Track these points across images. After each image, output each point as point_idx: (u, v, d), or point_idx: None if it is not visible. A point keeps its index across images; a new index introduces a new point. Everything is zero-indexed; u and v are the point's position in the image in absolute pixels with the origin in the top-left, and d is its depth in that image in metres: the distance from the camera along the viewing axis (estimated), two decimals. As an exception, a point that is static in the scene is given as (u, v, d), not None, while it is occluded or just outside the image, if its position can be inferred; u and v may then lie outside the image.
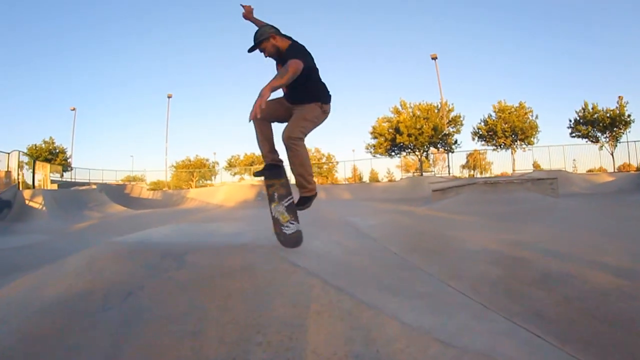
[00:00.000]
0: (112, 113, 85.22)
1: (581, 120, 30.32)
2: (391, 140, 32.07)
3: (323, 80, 3.46)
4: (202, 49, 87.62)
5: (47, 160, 28.56)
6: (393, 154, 33.99)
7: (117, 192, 23.84)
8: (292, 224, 3.47)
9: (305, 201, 3.59)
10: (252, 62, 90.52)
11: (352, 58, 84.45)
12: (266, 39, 3.24)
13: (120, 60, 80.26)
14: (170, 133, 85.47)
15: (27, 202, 14.71)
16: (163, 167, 47.17)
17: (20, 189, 16.43)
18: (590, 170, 29.27)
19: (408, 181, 24.34)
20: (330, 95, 3.46)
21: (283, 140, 3.26)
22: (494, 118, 32.55)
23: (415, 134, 30.38)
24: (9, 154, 17.95)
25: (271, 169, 3.66)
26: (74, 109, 35.63)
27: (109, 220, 14.34)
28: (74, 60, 74.29)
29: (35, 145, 33.92)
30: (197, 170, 41.55)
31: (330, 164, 43.43)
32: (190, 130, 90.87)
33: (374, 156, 34.27)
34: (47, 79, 73.26)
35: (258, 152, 4.04)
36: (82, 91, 72.93)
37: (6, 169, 17.39)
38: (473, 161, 37.29)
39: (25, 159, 20.65)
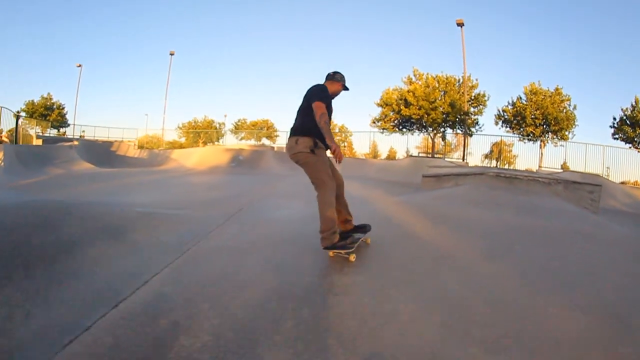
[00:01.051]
0: (129, 73, 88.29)
1: (628, 121, 24.87)
2: (399, 113, 27.95)
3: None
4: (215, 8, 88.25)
5: (42, 115, 29.44)
6: (404, 129, 29.42)
7: (102, 150, 24.17)
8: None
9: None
10: (266, 29, 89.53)
11: (372, 27, 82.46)
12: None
13: (133, 19, 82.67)
14: (182, 93, 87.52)
15: None
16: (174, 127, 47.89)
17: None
18: (625, 182, 23.18)
19: (409, 162, 20.40)
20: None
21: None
22: (523, 101, 27.57)
23: (426, 108, 26.46)
24: None
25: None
26: (80, 66, 35.61)
27: (61, 177, 14.07)
28: (83, 17, 77.23)
29: (33, 101, 34.74)
30: (204, 131, 41.56)
31: (343, 136, 42.04)
32: (203, 91, 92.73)
33: (382, 131, 29.64)
34: (55, 36, 77.06)
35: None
36: (93, 50, 76.66)
37: None
38: (498, 151, 31.04)
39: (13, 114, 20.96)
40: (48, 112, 33.54)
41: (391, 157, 34.43)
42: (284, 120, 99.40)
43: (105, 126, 36.17)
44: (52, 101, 35.27)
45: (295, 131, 3.95)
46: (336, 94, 4.16)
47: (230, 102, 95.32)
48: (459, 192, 8.51)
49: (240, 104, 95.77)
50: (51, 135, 29.63)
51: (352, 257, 3.72)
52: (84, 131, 33.39)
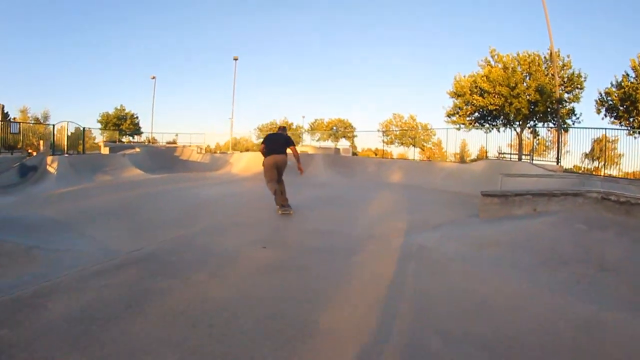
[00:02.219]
0: (211, 77, 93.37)
1: None
2: (473, 104, 23.78)
3: None
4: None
5: (115, 125, 32.29)
6: (486, 124, 24.61)
7: (165, 155, 25.50)
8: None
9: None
10: (353, 29, 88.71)
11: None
12: None
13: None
14: (260, 95, 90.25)
15: (47, 167, 16.55)
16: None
17: (49, 155, 18.14)
18: None
19: (485, 166, 16.32)
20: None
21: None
22: (632, 79, 20.46)
23: (506, 95, 21.64)
24: (54, 125, 20.75)
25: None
26: (154, 78, 38.46)
27: (102, 184, 15.34)
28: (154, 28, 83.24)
29: (108, 112, 38.04)
30: None
31: (425, 135, 39.22)
32: (281, 92, 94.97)
33: (458, 127, 25.22)
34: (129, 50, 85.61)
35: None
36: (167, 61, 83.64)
37: (52, 140, 20.48)
38: (599, 149, 23.96)
39: (84, 125, 23.01)
40: (121, 122, 36.75)
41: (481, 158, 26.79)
42: (360, 119, 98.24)
43: (172, 132, 38.15)
44: (125, 112, 38.21)
45: (282, 152, 9.48)
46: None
47: (307, 103, 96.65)
48: (531, 231, 5.56)
49: (317, 104, 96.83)
50: (118, 143, 31.88)
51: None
52: (152, 137, 35.59)
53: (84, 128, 23.10)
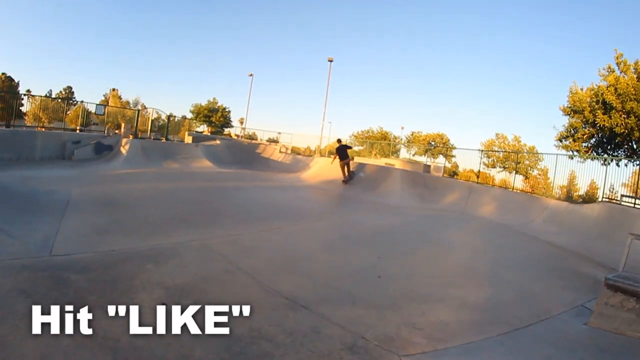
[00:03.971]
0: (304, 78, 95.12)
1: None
2: (594, 125, 18.74)
3: None
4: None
5: (206, 117, 33.47)
6: (605, 154, 19.16)
7: (246, 150, 25.25)
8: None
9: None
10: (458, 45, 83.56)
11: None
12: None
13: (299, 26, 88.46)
14: (360, 101, 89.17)
15: (121, 148, 17.28)
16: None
17: (126, 137, 18.81)
18: None
19: (602, 211, 11.87)
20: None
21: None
22: None
23: (638, 113, 17.02)
24: (138, 110, 21.43)
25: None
26: (251, 75, 39.18)
27: (168, 170, 16.05)
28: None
29: (200, 104, 39.47)
30: (377, 142, 40.75)
31: (531, 160, 34.42)
32: (382, 100, 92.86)
33: (572, 154, 18.92)
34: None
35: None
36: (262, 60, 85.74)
37: (136, 123, 21.82)
38: None
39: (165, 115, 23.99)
40: (212, 114, 38.15)
41: (589, 195, 20.21)
42: (460, 137, 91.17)
43: (261, 129, 38.73)
44: (217, 104, 39.63)
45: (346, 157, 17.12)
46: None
47: (409, 114, 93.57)
48: None
49: (418, 116, 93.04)
50: (202, 133, 32.67)
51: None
52: (247, 132, 36.16)
53: (169, 116, 23.84)
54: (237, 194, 11.93)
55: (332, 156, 17.73)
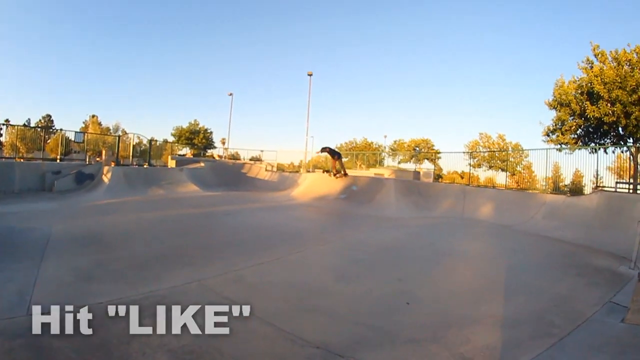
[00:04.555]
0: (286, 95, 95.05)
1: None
2: (582, 116, 19.38)
3: None
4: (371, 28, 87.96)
5: (188, 139, 33.00)
6: (594, 143, 19.77)
7: (231, 171, 24.67)
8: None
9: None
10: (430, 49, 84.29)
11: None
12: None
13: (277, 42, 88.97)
14: (340, 114, 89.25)
15: (102, 176, 16.86)
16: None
17: (107, 165, 18.21)
18: None
19: (600, 201, 11.67)
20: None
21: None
22: None
23: (624, 101, 17.47)
24: (119, 136, 21.20)
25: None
26: (231, 94, 38.69)
27: (150, 198, 15.20)
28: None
29: (182, 126, 39.10)
30: (361, 153, 40.48)
31: (517, 157, 34.31)
32: (363, 111, 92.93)
33: (561, 148, 19.33)
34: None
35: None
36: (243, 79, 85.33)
37: (117, 150, 21.27)
38: None
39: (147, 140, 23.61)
40: (194, 136, 37.65)
41: (576, 184, 21.23)
42: (444, 140, 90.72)
43: (244, 148, 38.30)
44: (198, 126, 39.15)
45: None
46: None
47: (390, 123, 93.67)
48: None
49: (400, 124, 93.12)
50: (185, 156, 32.18)
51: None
52: (211, 153, 35.62)
53: (150, 140, 23.39)
54: (228, 220, 11.35)
55: (332, 166, 19.89)
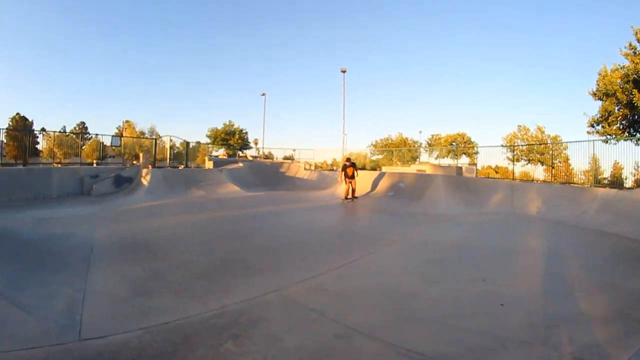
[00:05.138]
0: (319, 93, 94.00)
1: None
2: (628, 105, 18.04)
3: None
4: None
5: (224, 140, 32.71)
6: (638, 132, 18.88)
7: (269, 170, 24.07)
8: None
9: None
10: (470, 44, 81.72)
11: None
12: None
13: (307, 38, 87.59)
14: (376, 110, 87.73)
15: (141, 179, 16.39)
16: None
17: (145, 167, 17.76)
18: None
19: None
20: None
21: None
22: None
23: None
24: (155, 139, 20.86)
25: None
26: (264, 94, 38.45)
27: (192, 199, 14.52)
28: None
29: (217, 128, 39.22)
30: (397, 150, 39.37)
31: (556, 151, 32.35)
32: (397, 107, 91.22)
33: (607, 139, 18.34)
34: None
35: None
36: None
37: (154, 152, 21.09)
38: None
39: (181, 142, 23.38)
40: (229, 137, 37.33)
41: (616, 176, 20.55)
42: (481, 134, 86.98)
43: (280, 147, 37.59)
44: (233, 127, 38.83)
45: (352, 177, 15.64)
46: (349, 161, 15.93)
47: (425, 118, 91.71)
48: None
49: (436, 119, 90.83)
50: (225, 157, 31.90)
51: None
52: (263, 152, 35.22)
53: (187, 142, 22.95)
54: (279, 220, 10.51)
55: (341, 174, 16.05)
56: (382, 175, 17.89)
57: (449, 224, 10.19)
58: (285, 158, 32.27)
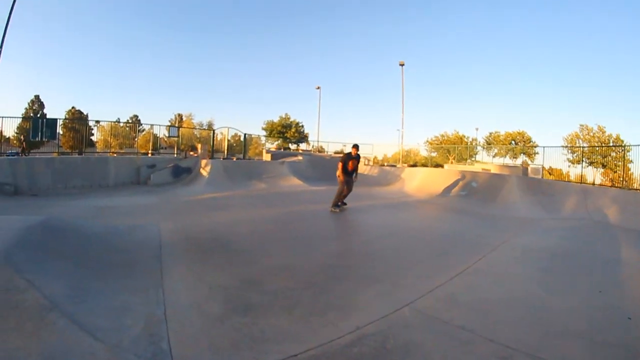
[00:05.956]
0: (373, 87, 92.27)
1: None
2: None
3: None
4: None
5: (280, 132, 32.34)
6: None
7: (328, 165, 22.81)
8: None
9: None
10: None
11: None
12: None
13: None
14: (432, 106, 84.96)
15: (201, 170, 16.12)
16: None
17: (204, 158, 17.39)
18: None
19: None
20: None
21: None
22: None
23: None
24: (214, 130, 22.14)
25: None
26: (319, 88, 37.82)
27: (255, 193, 13.61)
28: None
29: (273, 120, 39.20)
30: (452, 147, 37.65)
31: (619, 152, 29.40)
32: (454, 102, 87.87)
33: None
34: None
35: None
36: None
37: (212, 144, 20.99)
38: None
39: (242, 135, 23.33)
40: (285, 130, 36.99)
41: None
42: (542, 133, 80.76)
43: (337, 141, 36.93)
44: (289, 120, 38.57)
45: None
46: (355, 153, 10.89)
47: (483, 114, 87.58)
48: None
49: (494, 116, 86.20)
50: (279, 150, 31.60)
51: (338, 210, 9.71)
52: (319, 146, 34.54)
53: (245, 134, 22.52)
54: (360, 218, 9.42)
55: (340, 168, 10.78)
56: (449, 173, 16.53)
57: (536, 230, 9.10)
58: (336, 153, 31.48)
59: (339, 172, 10.54)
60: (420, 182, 16.80)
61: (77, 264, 4.17)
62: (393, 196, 14.76)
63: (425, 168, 21.28)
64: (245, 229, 7.23)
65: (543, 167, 31.05)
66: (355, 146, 10.88)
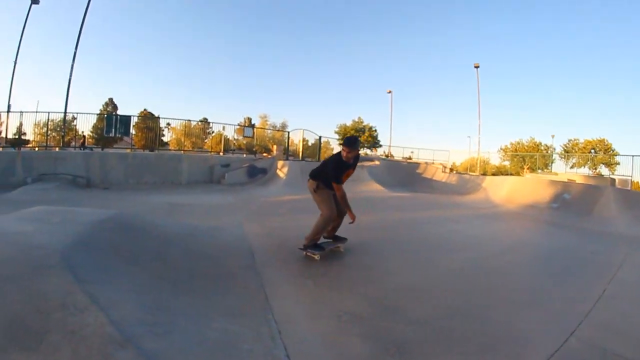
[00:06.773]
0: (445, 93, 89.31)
1: None
2: None
3: None
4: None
5: None
6: None
7: (406, 171, 22.41)
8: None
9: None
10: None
11: None
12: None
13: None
14: (507, 112, 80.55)
15: (277, 171, 16.23)
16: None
17: (281, 160, 17.28)
18: None
19: None
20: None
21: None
22: None
23: None
24: (289, 132, 22.69)
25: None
26: (390, 92, 37.25)
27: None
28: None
29: (345, 124, 39.36)
30: (528, 155, 35.15)
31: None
32: (530, 108, 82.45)
33: None
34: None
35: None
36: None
37: (286, 145, 21.43)
38: None
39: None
40: (358, 134, 36.66)
41: None
42: (627, 141, 72.70)
43: (412, 147, 35.61)
44: (362, 124, 38.04)
45: (311, 174, 5.63)
46: (347, 157, 5.15)
47: (559, 120, 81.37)
48: None
49: (572, 122, 79.50)
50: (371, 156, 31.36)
51: (317, 257, 4.80)
52: (389, 151, 33.62)
53: (320, 137, 22.08)
54: (460, 229, 8.14)
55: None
56: (538, 183, 14.87)
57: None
58: (404, 158, 30.77)
59: (314, 186, 5.54)
60: (508, 192, 15.36)
61: (155, 275, 3.27)
62: (480, 206, 13.38)
63: (512, 177, 19.71)
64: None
65: (632, 180, 27.81)
66: (350, 144, 5.24)
